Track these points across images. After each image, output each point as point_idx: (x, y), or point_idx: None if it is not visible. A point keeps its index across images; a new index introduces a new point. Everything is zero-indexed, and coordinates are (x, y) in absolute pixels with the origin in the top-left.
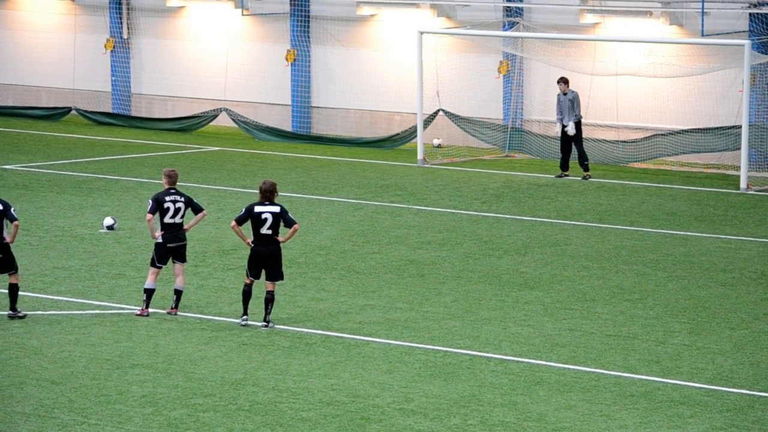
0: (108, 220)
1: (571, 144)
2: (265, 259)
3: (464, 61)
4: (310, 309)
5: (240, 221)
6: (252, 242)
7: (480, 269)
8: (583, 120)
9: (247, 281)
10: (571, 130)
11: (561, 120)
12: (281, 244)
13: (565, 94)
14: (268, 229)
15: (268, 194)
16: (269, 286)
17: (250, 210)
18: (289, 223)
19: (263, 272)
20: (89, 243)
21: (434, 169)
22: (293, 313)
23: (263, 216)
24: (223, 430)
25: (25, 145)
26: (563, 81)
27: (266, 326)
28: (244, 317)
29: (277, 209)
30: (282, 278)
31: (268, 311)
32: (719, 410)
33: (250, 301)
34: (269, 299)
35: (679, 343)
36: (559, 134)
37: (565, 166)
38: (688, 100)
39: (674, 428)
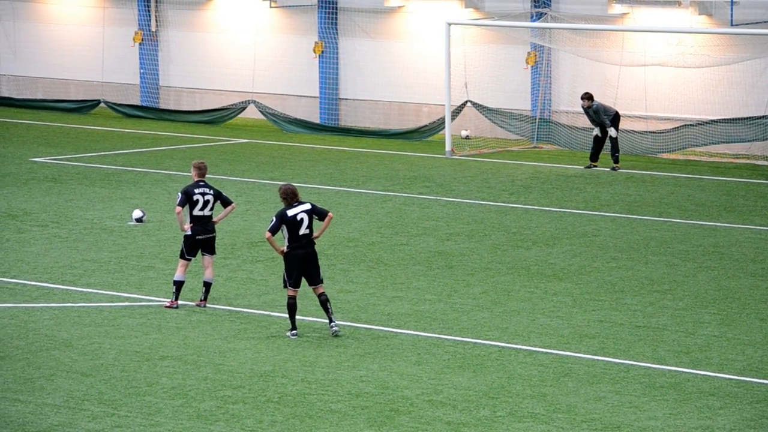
0: (137, 213)
1: (605, 138)
2: (306, 261)
3: (492, 52)
4: (339, 301)
5: (274, 231)
6: (288, 247)
7: (508, 260)
8: (619, 112)
9: (291, 293)
10: (613, 133)
11: (597, 128)
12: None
13: (588, 107)
14: (306, 228)
15: (293, 196)
16: (318, 289)
17: (282, 216)
18: (323, 215)
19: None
20: (118, 235)
21: (462, 160)
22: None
23: (299, 217)
24: (252, 421)
25: (54, 138)
26: (584, 97)
27: (335, 328)
28: (294, 331)
29: (308, 206)
30: (321, 280)
31: (329, 312)
32: (749, 401)
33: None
34: (325, 300)
35: (709, 334)
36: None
37: (594, 157)
38: (717, 90)
39: (704, 420)
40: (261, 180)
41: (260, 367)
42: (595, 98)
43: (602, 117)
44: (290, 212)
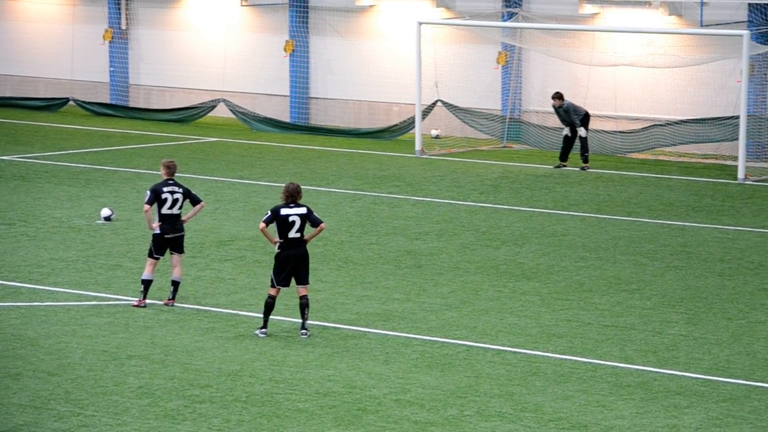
0: (105, 211)
1: (575, 138)
2: (295, 262)
3: (463, 52)
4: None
5: (267, 223)
6: (279, 246)
7: (477, 260)
8: (589, 112)
9: (273, 292)
10: (582, 132)
11: (567, 128)
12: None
13: (559, 107)
14: (297, 231)
15: (293, 196)
16: (302, 291)
17: (276, 212)
18: (316, 223)
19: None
20: (86, 234)
21: (432, 159)
22: (290, 304)
23: (291, 218)
24: (219, 421)
25: (22, 136)
26: (555, 97)
27: (305, 333)
28: (264, 330)
29: (303, 210)
30: (308, 282)
31: (305, 317)
32: (716, 400)
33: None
34: (305, 304)
35: (676, 333)
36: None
37: (564, 156)
38: (687, 91)
39: (671, 418)
40: (230, 179)
41: (228, 367)
42: (565, 98)
43: (572, 117)
44: (284, 211)
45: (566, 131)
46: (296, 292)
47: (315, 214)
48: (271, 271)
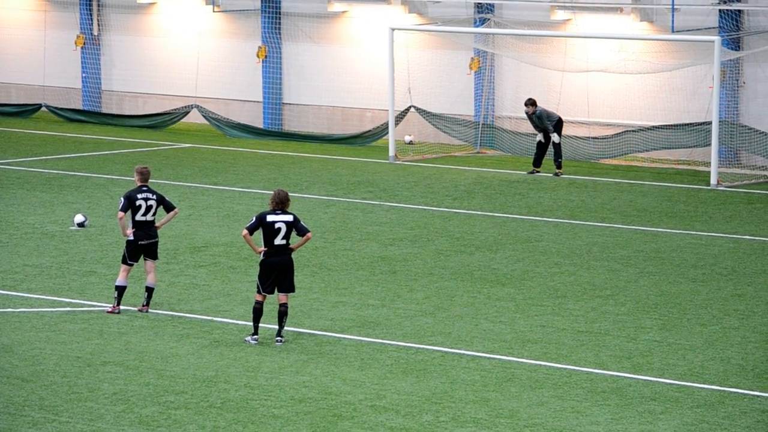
0: (79, 217)
1: (548, 144)
2: (280, 270)
3: (435, 58)
4: None
5: (251, 230)
6: (264, 253)
7: (451, 266)
8: (562, 118)
9: (259, 298)
10: (555, 138)
11: (540, 134)
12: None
13: (532, 114)
14: (282, 239)
15: (281, 203)
16: (283, 298)
17: (261, 219)
18: (302, 232)
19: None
20: (60, 240)
21: (406, 165)
22: (264, 311)
23: (276, 225)
24: (194, 427)
25: None
26: (527, 103)
27: (280, 341)
28: (255, 336)
29: (290, 218)
30: (294, 290)
31: (282, 325)
32: (690, 406)
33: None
34: (284, 312)
35: (650, 339)
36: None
37: (537, 162)
38: (659, 97)
39: (645, 424)
40: (204, 185)
41: (203, 373)
42: (538, 104)
43: (545, 123)
44: (269, 218)
45: (539, 137)
46: (266, 298)
47: (302, 222)
48: (257, 277)
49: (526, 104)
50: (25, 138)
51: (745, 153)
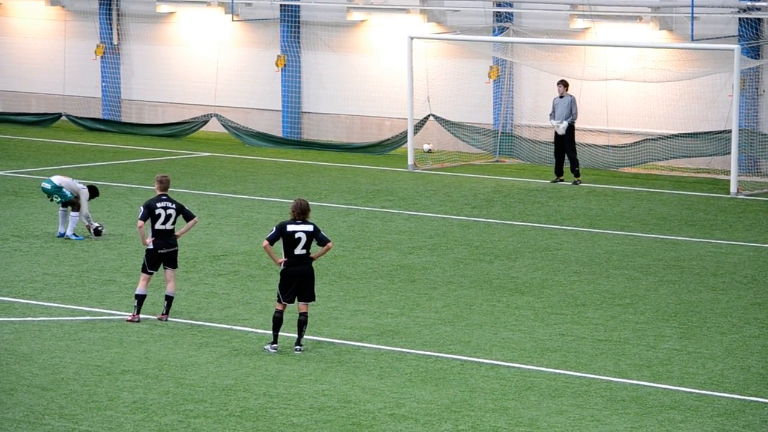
0: (93, 224)
1: (563, 151)
2: (300, 279)
3: (454, 67)
4: None
5: (272, 240)
6: (285, 263)
7: (471, 274)
8: (576, 125)
9: (279, 307)
10: (561, 130)
11: (552, 117)
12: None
13: (562, 96)
14: (302, 248)
15: (302, 213)
16: (302, 307)
17: (282, 229)
18: (323, 242)
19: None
20: (80, 249)
21: (425, 174)
22: (285, 319)
23: (297, 235)
24: None
25: (15, 152)
26: (563, 84)
27: (299, 349)
28: (275, 345)
29: (310, 228)
30: (314, 299)
31: (301, 334)
32: (710, 415)
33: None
34: (303, 321)
35: (670, 347)
36: (556, 133)
37: (559, 171)
38: (678, 105)
39: None
40: (223, 194)
41: (222, 381)
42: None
43: (571, 108)
44: (290, 227)
45: (558, 126)
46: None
47: (322, 232)
48: (277, 286)
49: (558, 84)
50: (45, 147)
51: (765, 161)
